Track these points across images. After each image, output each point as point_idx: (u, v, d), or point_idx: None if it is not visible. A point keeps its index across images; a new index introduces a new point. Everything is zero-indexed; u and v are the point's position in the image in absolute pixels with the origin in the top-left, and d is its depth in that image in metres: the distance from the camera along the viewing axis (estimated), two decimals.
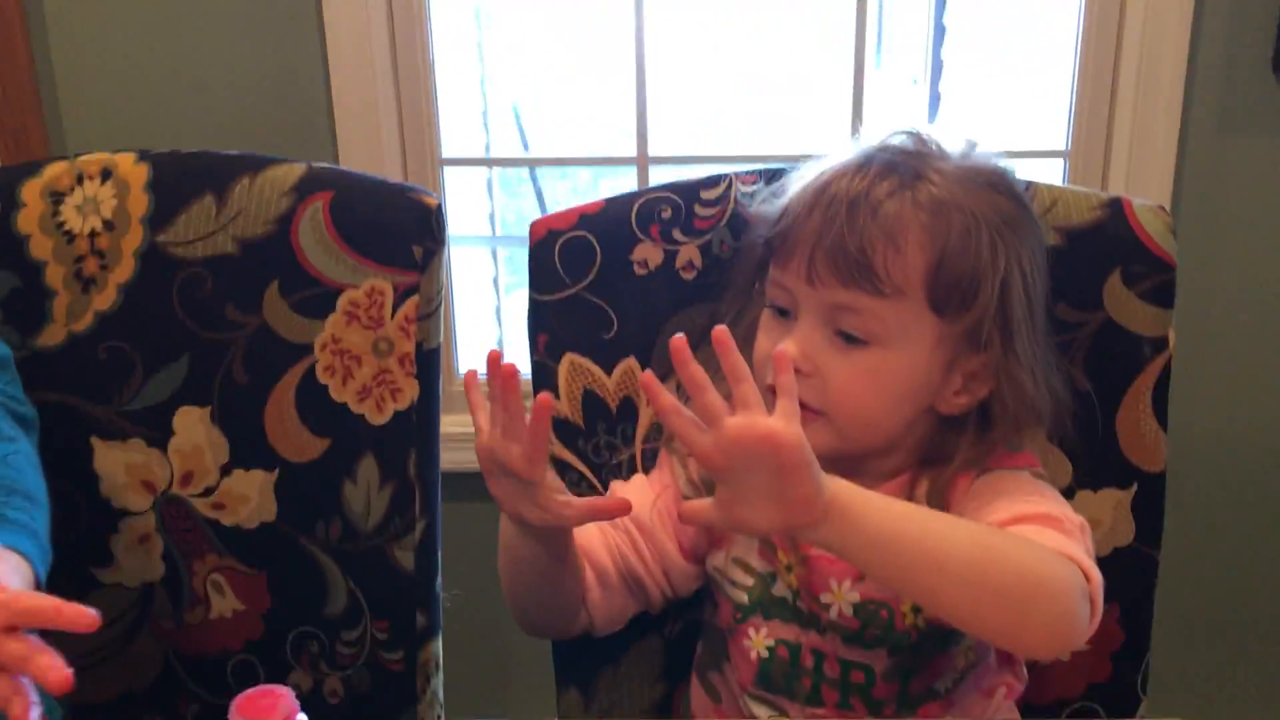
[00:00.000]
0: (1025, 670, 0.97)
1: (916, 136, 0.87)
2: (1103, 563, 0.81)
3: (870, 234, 0.81)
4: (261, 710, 0.65)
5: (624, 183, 1.71)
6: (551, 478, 0.81)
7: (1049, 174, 1.62)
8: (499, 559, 0.90)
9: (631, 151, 1.63)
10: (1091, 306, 0.96)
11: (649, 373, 0.72)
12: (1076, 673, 1.02)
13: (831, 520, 0.71)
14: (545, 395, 0.77)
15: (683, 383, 0.72)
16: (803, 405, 0.78)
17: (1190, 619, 1.69)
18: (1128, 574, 0.99)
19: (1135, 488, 0.98)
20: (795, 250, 0.83)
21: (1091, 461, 0.97)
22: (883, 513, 0.74)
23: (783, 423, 0.69)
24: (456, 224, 1.79)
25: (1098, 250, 0.96)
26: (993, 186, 0.86)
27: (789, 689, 0.92)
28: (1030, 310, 0.87)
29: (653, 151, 1.63)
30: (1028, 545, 0.77)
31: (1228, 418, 1.61)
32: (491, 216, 1.93)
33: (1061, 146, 1.61)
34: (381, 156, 1.59)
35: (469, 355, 1.76)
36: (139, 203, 1.08)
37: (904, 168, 0.84)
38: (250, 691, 0.67)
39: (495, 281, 1.88)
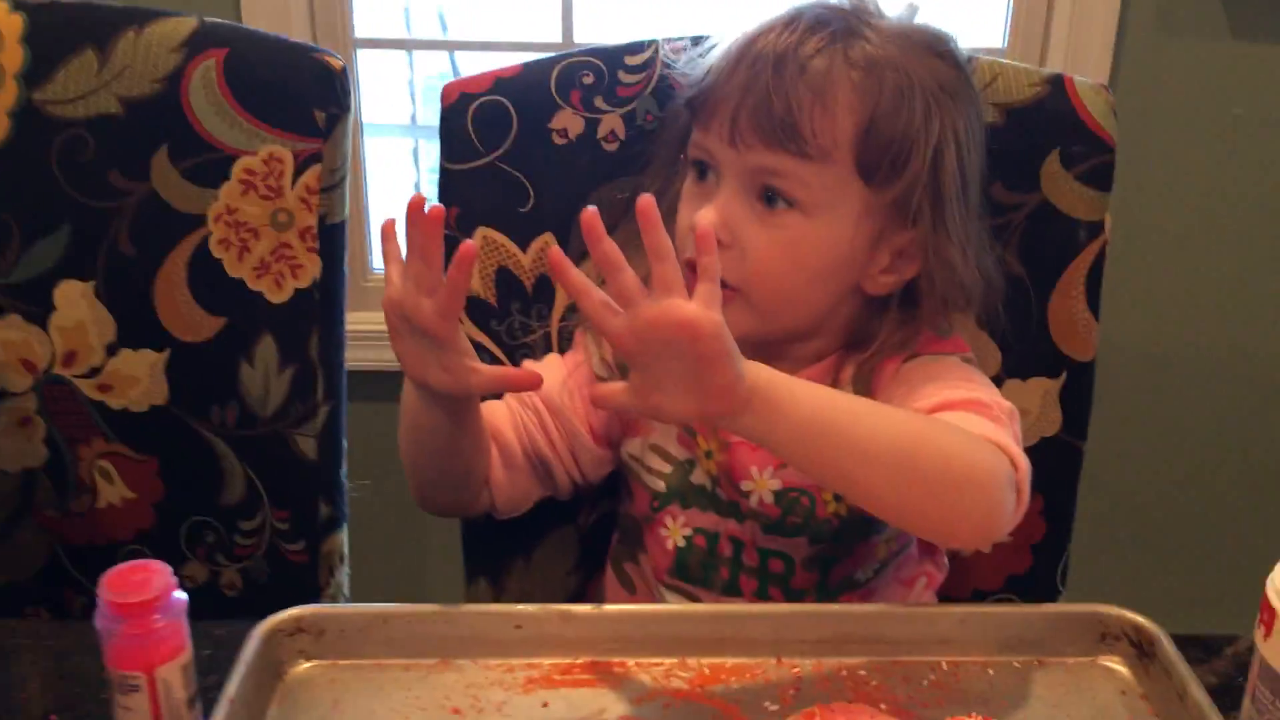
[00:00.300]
0: (946, 560, 0.95)
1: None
2: (1029, 453, 0.78)
3: (797, 92, 0.76)
4: (133, 586, 0.60)
5: None
6: (462, 341, 0.76)
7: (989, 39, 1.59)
8: (400, 426, 0.85)
9: (557, 37, 1.56)
10: (1028, 188, 0.93)
11: (557, 249, 0.68)
12: (996, 564, 1.00)
13: (754, 409, 0.67)
14: (469, 244, 0.71)
15: (595, 261, 0.66)
16: (721, 283, 0.75)
17: (1109, 513, 1.70)
18: (1053, 465, 0.97)
19: (1064, 377, 0.96)
20: (717, 110, 0.78)
21: (1021, 349, 0.95)
22: (808, 400, 0.69)
23: (701, 309, 0.64)
24: (375, 114, 1.71)
25: (1037, 129, 0.92)
26: (932, 50, 0.81)
27: (705, 579, 0.89)
28: (964, 185, 0.83)
29: (579, 37, 1.56)
30: (956, 432, 0.74)
31: (1156, 312, 1.60)
32: (413, 116, 1.84)
33: (998, 44, 1.57)
34: (289, 31, 1.50)
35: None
36: (13, 56, 0.99)
37: (836, 23, 0.79)
38: (121, 567, 0.61)
39: (417, 185, 1.81)
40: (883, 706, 0.69)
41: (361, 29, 1.58)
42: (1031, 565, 1.00)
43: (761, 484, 0.85)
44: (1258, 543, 1.72)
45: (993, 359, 0.95)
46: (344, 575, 1.09)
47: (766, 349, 0.81)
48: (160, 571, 0.60)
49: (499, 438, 0.87)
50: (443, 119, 0.93)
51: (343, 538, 1.07)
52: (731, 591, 0.88)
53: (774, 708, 0.69)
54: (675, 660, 0.72)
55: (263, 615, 1.06)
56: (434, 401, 0.79)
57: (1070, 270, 0.94)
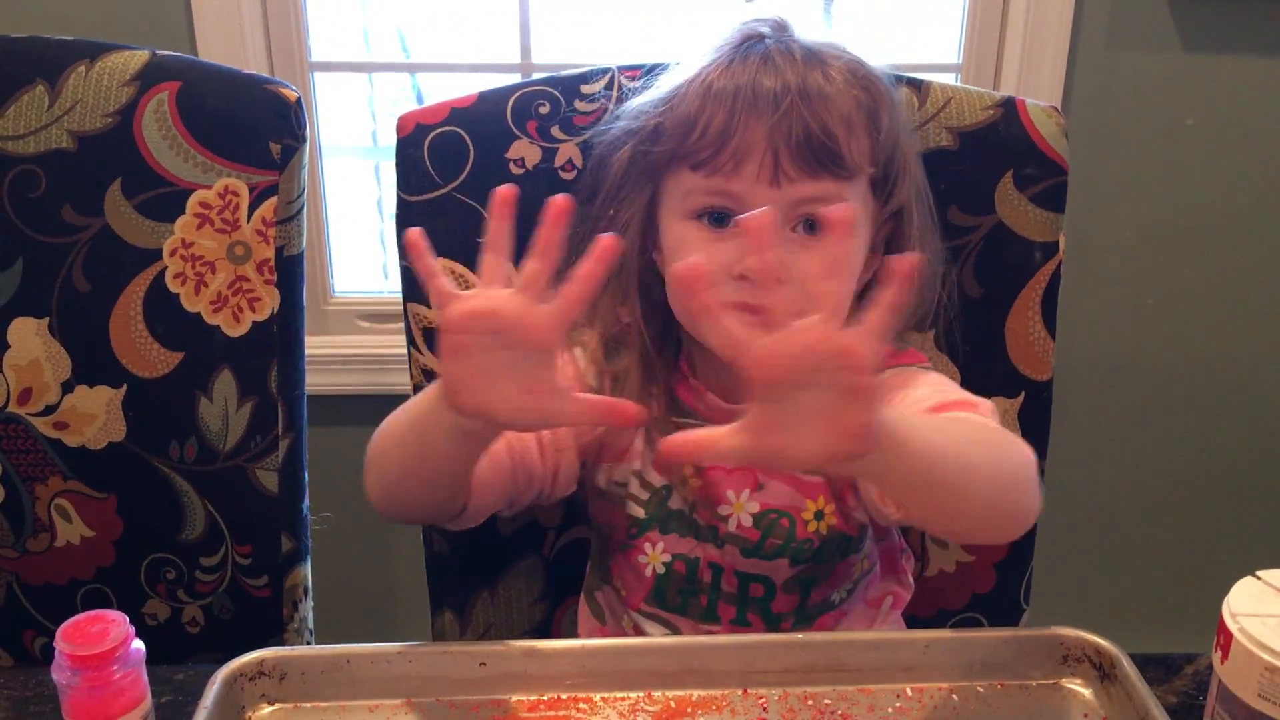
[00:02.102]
0: (911, 580, 0.96)
1: (774, 22, 0.83)
2: None
3: (831, 118, 0.78)
4: (90, 638, 0.59)
5: None
6: (559, 359, 0.67)
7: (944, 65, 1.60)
8: (386, 440, 0.78)
9: (516, 58, 1.56)
10: (983, 210, 0.94)
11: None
12: (960, 583, 1.01)
13: (882, 448, 0.61)
14: (611, 237, 0.65)
15: (753, 271, 0.68)
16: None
17: (1070, 530, 1.72)
18: None
19: (1023, 396, 0.96)
20: (746, 155, 0.78)
21: (980, 370, 0.95)
22: (920, 432, 0.67)
23: (865, 338, 0.59)
24: (335, 136, 1.70)
25: (990, 152, 0.93)
26: (865, 58, 0.84)
27: (683, 605, 0.88)
28: (923, 191, 0.87)
29: (537, 59, 1.56)
30: (1000, 433, 0.76)
31: (1112, 329, 1.62)
32: (374, 135, 1.83)
33: (953, 60, 1.58)
34: (245, 57, 1.49)
35: (346, 275, 1.68)
36: None
37: (795, 48, 0.80)
38: (78, 618, 0.61)
39: (379, 204, 1.79)
40: None
41: (319, 52, 1.58)
42: (996, 583, 1.01)
43: (739, 507, 0.85)
44: (1220, 556, 1.75)
45: (952, 379, 0.95)
46: (308, 608, 1.08)
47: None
48: (117, 622, 0.60)
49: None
50: (398, 150, 0.93)
51: (305, 571, 1.07)
52: (709, 618, 0.88)
53: None
54: (642, 694, 0.72)
55: (226, 651, 1.04)
56: (466, 433, 0.72)
57: (1026, 291, 0.95)
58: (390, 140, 0.97)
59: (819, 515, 0.85)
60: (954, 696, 0.72)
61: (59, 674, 0.59)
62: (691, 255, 0.81)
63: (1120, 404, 1.67)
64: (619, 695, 0.72)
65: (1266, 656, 0.58)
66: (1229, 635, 0.61)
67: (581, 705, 0.71)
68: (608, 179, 0.87)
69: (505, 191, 0.65)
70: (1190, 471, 1.70)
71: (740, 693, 0.72)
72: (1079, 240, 1.55)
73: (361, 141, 1.81)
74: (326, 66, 1.62)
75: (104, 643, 0.59)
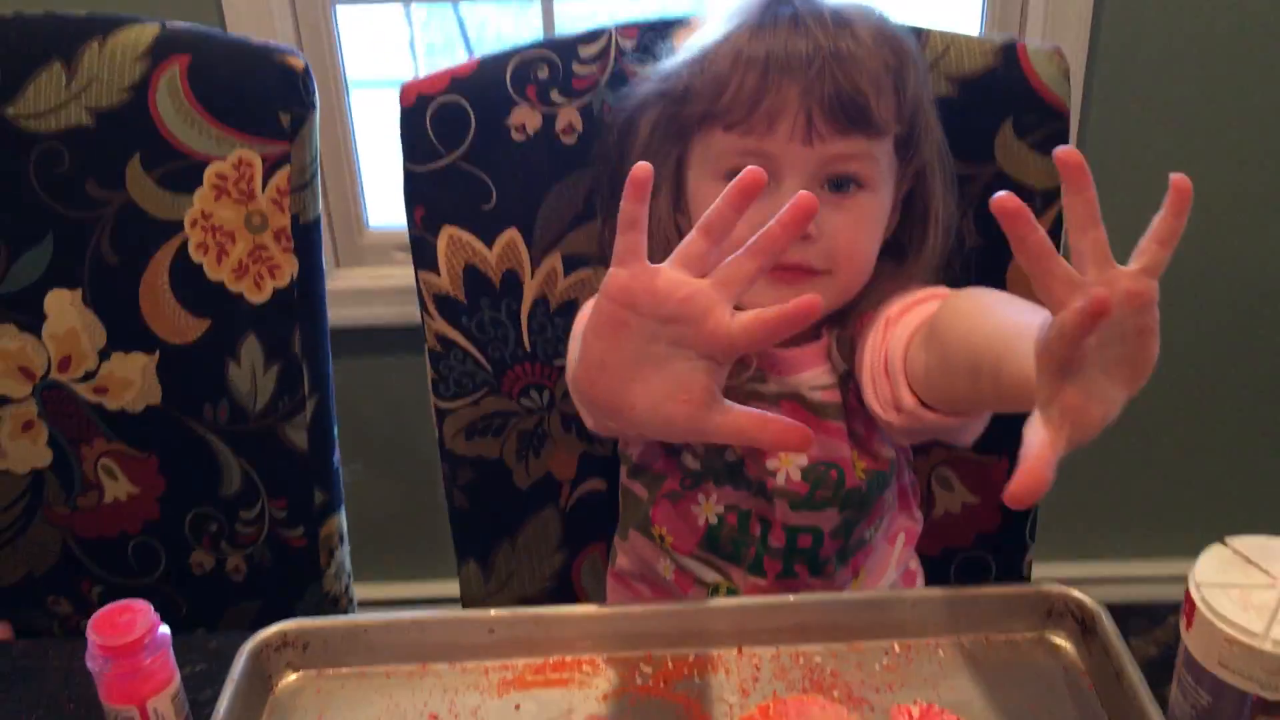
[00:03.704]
0: (920, 514, 0.98)
1: None
2: (995, 418, 0.81)
3: (863, 79, 0.80)
4: (119, 629, 0.64)
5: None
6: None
7: (968, 13, 1.57)
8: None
9: None
10: (983, 159, 0.94)
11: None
12: (966, 524, 1.03)
13: None
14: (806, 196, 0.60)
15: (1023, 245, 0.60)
16: (813, 270, 0.82)
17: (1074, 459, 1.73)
18: (1019, 425, 0.99)
19: None
20: (779, 115, 0.80)
21: None
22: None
23: (1142, 277, 0.57)
24: (373, 69, 1.71)
25: (990, 99, 0.93)
26: (889, 17, 0.85)
27: (735, 554, 0.92)
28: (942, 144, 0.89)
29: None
30: None
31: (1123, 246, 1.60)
32: (415, 69, 1.83)
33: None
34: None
35: (381, 208, 1.70)
36: None
37: (832, 14, 0.81)
38: (109, 608, 0.66)
39: None
40: (835, 694, 0.72)
41: None
42: (1001, 523, 1.03)
43: (787, 461, 0.88)
44: (1224, 484, 1.75)
45: None
46: (344, 555, 1.14)
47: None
48: (143, 611, 0.64)
49: None
50: (402, 122, 0.95)
51: (339, 520, 1.12)
52: (756, 571, 0.91)
53: (733, 700, 0.72)
54: (641, 654, 0.76)
55: (268, 598, 1.12)
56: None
57: None
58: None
59: (854, 463, 0.88)
60: (940, 652, 0.76)
61: (92, 662, 0.64)
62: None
63: None
64: (620, 656, 0.76)
65: (1226, 628, 0.61)
66: (1193, 605, 0.63)
67: (585, 668, 0.75)
68: (636, 140, 0.89)
69: (641, 171, 0.60)
70: (1202, 399, 1.70)
71: (736, 652, 0.76)
72: (1107, 156, 1.53)
73: (404, 74, 1.82)
74: None
75: (132, 632, 0.63)
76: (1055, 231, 0.95)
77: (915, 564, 0.99)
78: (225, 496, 1.09)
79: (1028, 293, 0.95)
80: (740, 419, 0.60)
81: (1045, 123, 0.93)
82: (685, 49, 0.86)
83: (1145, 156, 1.55)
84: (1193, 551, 0.67)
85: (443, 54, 2.04)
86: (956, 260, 0.94)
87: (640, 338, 0.60)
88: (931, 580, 1.02)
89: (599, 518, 1.01)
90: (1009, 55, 0.93)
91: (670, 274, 0.61)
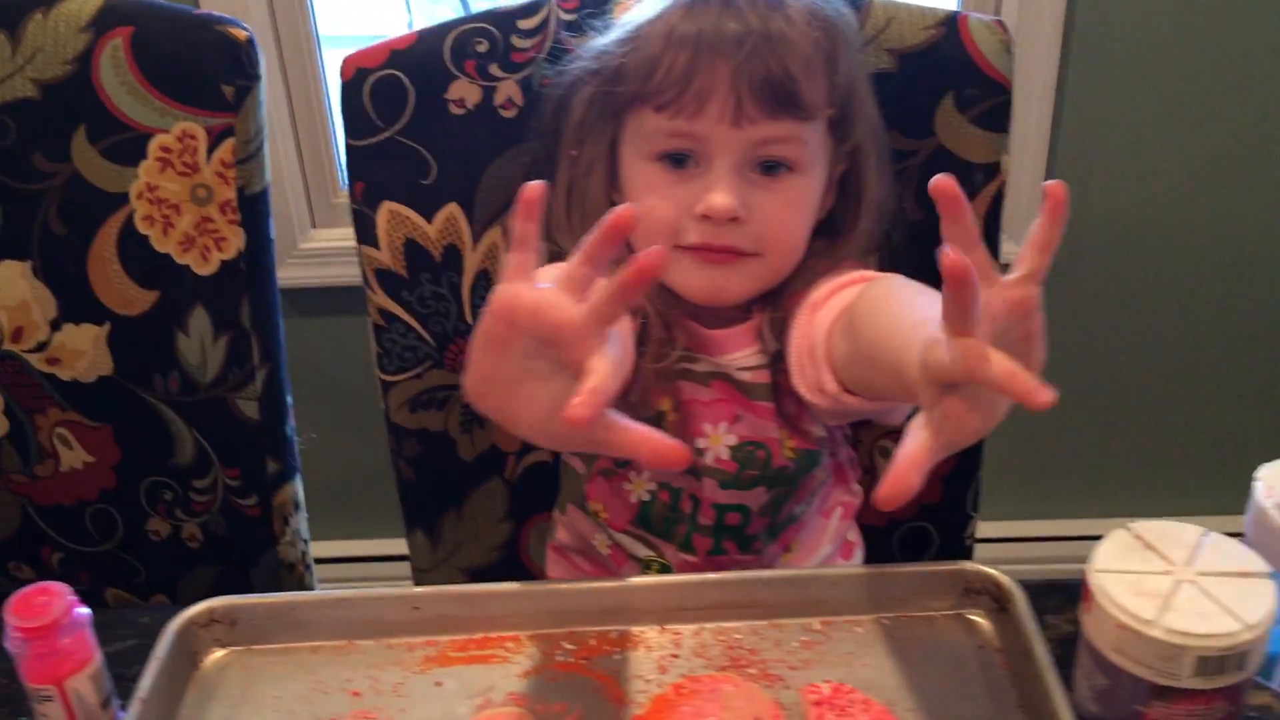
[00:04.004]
0: (859, 487, 0.99)
1: None
2: None
3: (793, 61, 0.79)
4: (36, 610, 0.65)
5: None
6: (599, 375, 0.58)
7: None
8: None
9: None
10: (923, 133, 0.93)
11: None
12: None
13: None
14: (657, 251, 0.56)
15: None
16: (741, 252, 0.81)
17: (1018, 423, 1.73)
18: None
19: None
20: (709, 97, 0.79)
21: None
22: None
23: (1025, 284, 0.58)
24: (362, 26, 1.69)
25: (930, 73, 0.92)
26: (823, 4, 0.84)
27: (666, 532, 0.93)
28: (877, 128, 0.88)
29: None
30: None
31: (1127, 199, 1.59)
32: (410, 25, 1.82)
33: None
34: None
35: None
36: None
37: None
38: (26, 590, 0.67)
39: None
40: (751, 671, 0.74)
41: None
42: (943, 495, 1.04)
43: (716, 440, 0.89)
44: (1171, 450, 1.76)
45: None
46: (300, 522, 1.15)
47: (721, 310, 0.86)
48: (59, 594, 0.66)
49: None
50: (342, 96, 0.94)
51: (294, 488, 1.13)
52: (686, 549, 0.92)
53: (651, 677, 0.74)
54: (565, 632, 0.77)
55: (225, 564, 1.13)
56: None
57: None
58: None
59: (783, 442, 0.89)
60: (858, 629, 0.77)
61: (10, 644, 0.65)
62: (653, 196, 0.83)
63: (1130, 279, 1.65)
64: (544, 633, 0.77)
65: (1119, 615, 0.61)
66: (1089, 589, 0.64)
67: (509, 644, 0.77)
68: (570, 119, 0.88)
69: (531, 191, 0.59)
70: (1154, 364, 1.70)
71: (658, 630, 0.77)
72: (1089, 108, 1.52)
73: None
74: None
75: (48, 614, 0.65)
76: (997, 207, 0.95)
77: (855, 535, 1.00)
78: (179, 465, 1.10)
79: None
80: (623, 435, 0.59)
81: (987, 96, 0.92)
82: (619, 26, 0.85)
83: (1122, 130, 1.54)
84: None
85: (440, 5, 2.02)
86: (897, 234, 0.94)
87: (522, 354, 0.59)
88: (873, 551, 1.03)
89: (545, 489, 1.02)
90: (950, 28, 0.92)
91: (551, 297, 0.59)
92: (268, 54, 1.54)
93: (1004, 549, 1.76)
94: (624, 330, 0.78)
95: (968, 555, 1.07)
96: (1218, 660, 0.60)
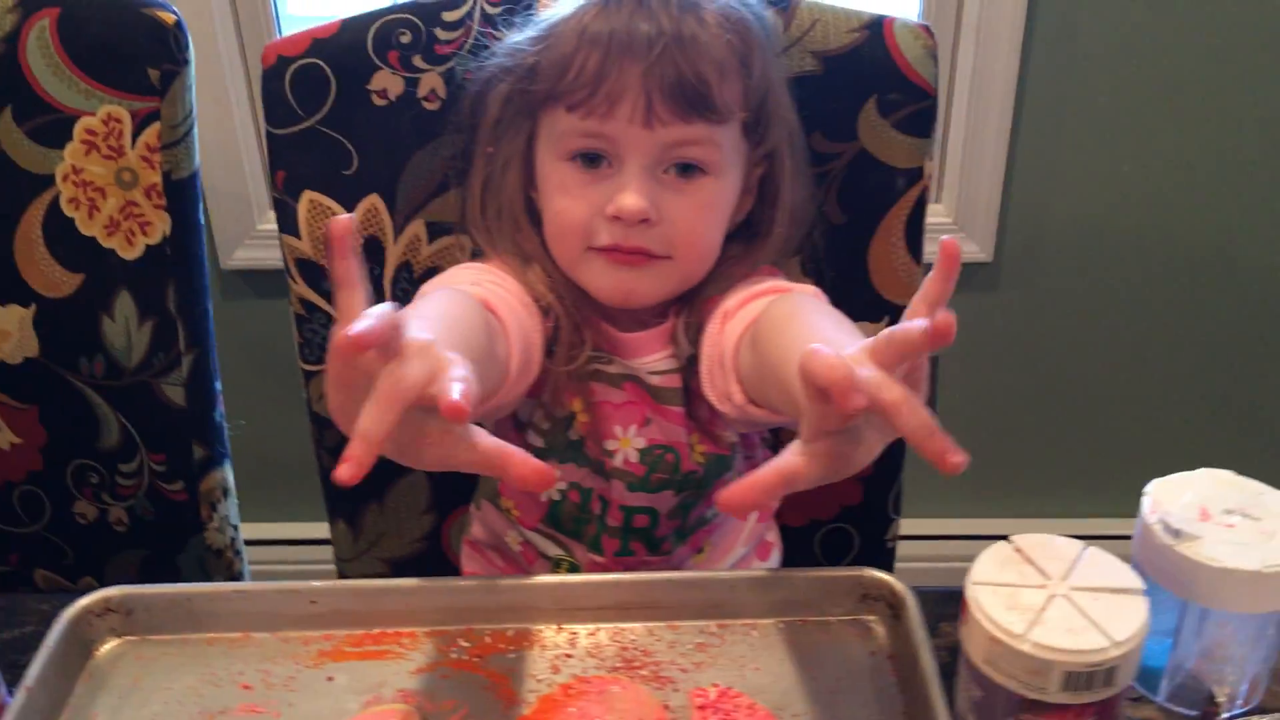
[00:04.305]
0: None
1: None
2: None
3: (704, 64, 0.79)
4: None
5: None
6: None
7: None
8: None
9: None
10: (846, 137, 0.93)
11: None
12: (829, 496, 1.04)
13: None
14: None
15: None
16: (652, 254, 0.81)
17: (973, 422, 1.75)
18: None
19: (886, 321, 0.97)
20: (620, 98, 0.79)
21: (844, 294, 0.95)
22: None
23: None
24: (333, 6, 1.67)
25: (854, 76, 0.92)
26: (738, 8, 0.83)
27: (576, 531, 0.93)
28: (795, 123, 0.88)
29: None
30: None
31: (1090, 196, 1.60)
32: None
33: None
34: None
35: None
36: None
37: None
38: None
39: None
40: (643, 673, 0.74)
41: None
42: (864, 496, 1.04)
43: (626, 443, 0.89)
44: (1097, 458, 1.77)
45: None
46: (229, 507, 1.15)
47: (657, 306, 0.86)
48: None
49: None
50: (263, 83, 0.94)
51: (223, 474, 1.13)
52: (595, 549, 0.93)
53: (543, 676, 0.74)
54: (461, 629, 0.77)
55: (152, 548, 1.13)
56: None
57: (889, 218, 0.95)
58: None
59: (692, 447, 0.89)
60: (754, 633, 0.77)
61: None
62: (566, 196, 0.83)
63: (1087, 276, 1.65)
64: (440, 629, 0.77)
65: (991, 628, 0.62)
66: (965, 602, 0.64)
67: (404, 640, 0.77)
68: (486, 116, 0.88)
69: (338, 227, 0.54)
70: (1168, 343, 1.70)
71: (555, 629, 0.77)
72: (1051, 105, 1.52)
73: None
74: None
75: None
76: (919, 212, 0.95)
77: (773, 536, 1.01)
78: (104, 449, 1.10)
79: (887, 269, 0.96)
80: (487, 453, 0.58)
81: (909, 101, 0.92)
82: (534, 24, 0.85)
83: (1082, 133, 1.54)
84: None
85: None
86: (819, 236, 0.94)
87: (366, 391, 0.56)
88: (794, 552, 1.03)
89: (466, 483, 1.02)
90: (875, 31, 0.92)
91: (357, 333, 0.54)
92: (228, 33, 1.53)
93: (946, 546, 1.76)
94: (515, 338, 0.78)
95: (889, 557, 1.08)
96: (1085, 675, 0.60)
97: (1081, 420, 1.77)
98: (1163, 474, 0.72)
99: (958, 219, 1.62)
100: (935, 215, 1.62)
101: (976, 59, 1.51)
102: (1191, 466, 0.74)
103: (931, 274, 0.56)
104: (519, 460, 0.59)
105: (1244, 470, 0.72)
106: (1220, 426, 1.75)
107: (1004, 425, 1.77)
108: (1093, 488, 1.79)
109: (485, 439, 0.59)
